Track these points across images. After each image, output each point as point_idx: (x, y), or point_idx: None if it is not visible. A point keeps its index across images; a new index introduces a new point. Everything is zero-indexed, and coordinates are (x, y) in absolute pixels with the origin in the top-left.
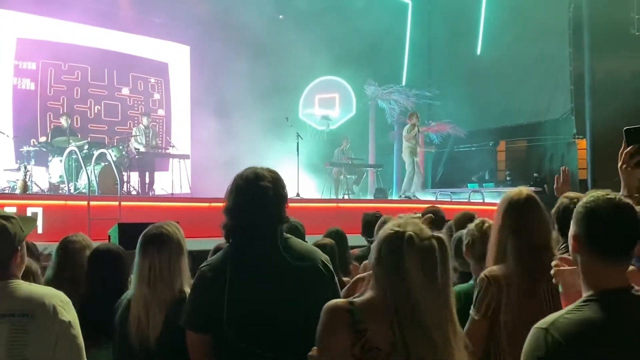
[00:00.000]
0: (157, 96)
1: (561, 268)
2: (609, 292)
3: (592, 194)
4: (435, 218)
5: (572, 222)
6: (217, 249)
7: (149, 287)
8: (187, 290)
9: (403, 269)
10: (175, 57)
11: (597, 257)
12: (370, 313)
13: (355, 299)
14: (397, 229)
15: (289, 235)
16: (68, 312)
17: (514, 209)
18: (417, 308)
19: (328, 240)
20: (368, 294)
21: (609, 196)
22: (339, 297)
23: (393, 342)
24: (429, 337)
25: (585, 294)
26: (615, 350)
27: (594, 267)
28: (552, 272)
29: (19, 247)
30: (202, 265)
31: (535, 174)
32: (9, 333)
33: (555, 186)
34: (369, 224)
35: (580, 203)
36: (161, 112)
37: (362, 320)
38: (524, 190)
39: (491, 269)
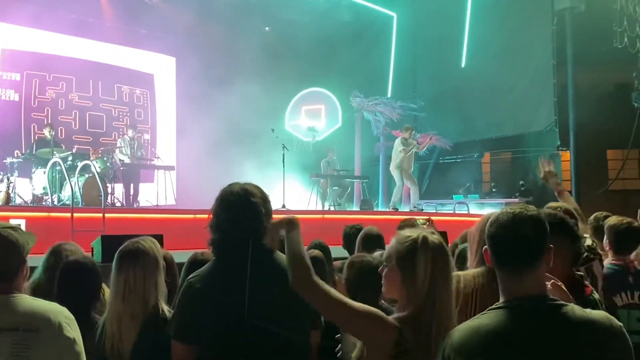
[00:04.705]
0: (142, 107)
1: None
2: (518, 299)
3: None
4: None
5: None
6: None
7: (123, 302)
8: (163, 305)
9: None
10: (161, 68)
11: (500, 267)
12: None
13: None
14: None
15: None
16: (72, 329)
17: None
18: None
19: (317, 252)
20: None
21: (512, 209)
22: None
23: None
24: None
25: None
26: (498, 358)
27: (502, 277)
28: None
29: (26, 260)
30: (189, 277)
31: (521, 182)
32: (11, 348)
33: (542, 176)
34: (350, 236)
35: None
36: (146, 124)
37: None
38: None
39: (465, 273)
